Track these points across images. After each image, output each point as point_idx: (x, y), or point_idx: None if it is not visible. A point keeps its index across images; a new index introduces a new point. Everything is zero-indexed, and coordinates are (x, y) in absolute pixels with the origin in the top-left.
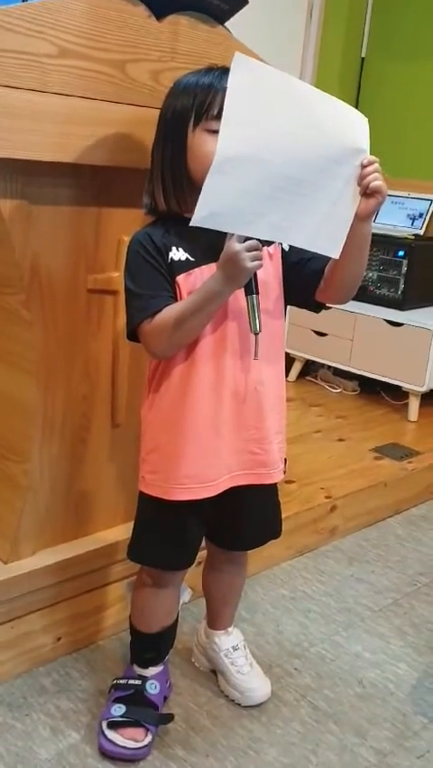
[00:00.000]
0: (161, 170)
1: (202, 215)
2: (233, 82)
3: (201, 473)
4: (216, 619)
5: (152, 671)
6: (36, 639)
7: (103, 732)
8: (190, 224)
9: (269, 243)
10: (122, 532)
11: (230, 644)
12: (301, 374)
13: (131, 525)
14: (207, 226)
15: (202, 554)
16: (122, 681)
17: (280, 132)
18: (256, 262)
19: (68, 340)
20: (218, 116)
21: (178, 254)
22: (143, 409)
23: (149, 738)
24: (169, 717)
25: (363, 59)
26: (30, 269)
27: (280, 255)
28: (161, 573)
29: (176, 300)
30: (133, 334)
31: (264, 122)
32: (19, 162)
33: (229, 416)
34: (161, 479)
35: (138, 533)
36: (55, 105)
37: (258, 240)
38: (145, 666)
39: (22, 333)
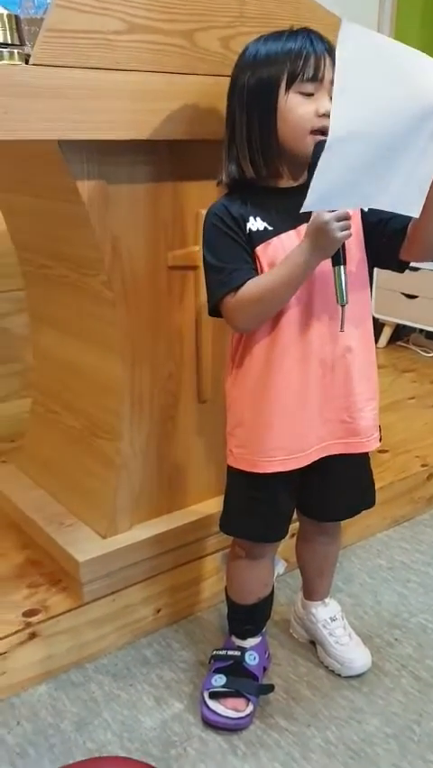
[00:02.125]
0: (246, 139)
1: (315, 198)
2: (342, 54)
3: (290, 444)
4: (312, 591)
5: (250, 642)
6: (137, 611)
7: (205, 702)
8: (302, 210)
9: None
10: (214, 505)
11: (327, 614)
12: (392, 339)
13: (222, 497)
14: (318, 209)
15: (295, 526)
16: (221, 653)
17: (383, 102)
18: (346, 232)
19: (151, 318)
20: (312, 79)
21: (256, 224)
22: (227, 384)
23: (250, 708)
24: (269, 688)
25: None
26: (110, 250)
27: (360, 217)
28: (253, 545)
29: (256, 272)
30: (214, 309)
31: (371, 93)
32: (94, 143)
33: (317, 385)
34: (249, 452)
35: (229, 506)
36: (126, 82)
37: None
38: (243, 637)
39: (105, 313)
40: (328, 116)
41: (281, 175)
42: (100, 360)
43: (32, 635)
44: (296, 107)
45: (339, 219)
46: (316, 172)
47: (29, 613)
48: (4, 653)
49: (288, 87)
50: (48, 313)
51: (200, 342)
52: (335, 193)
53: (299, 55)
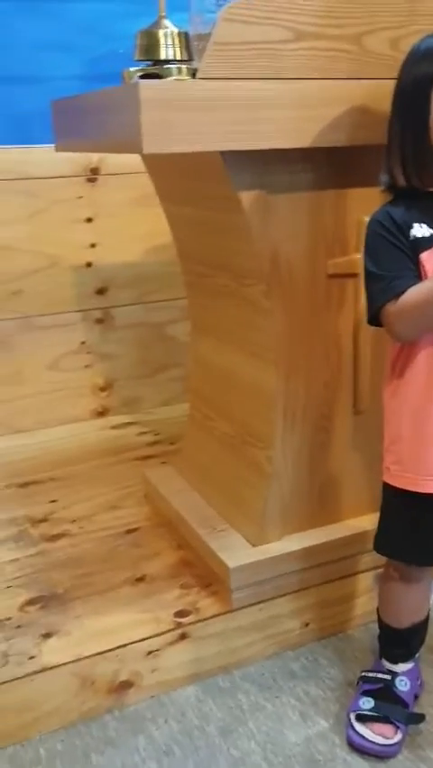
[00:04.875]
0: (400, 144)
1: None
2: None
3: None
4: None
5: (401, 667)
6: (284, 623)
7: (352, 725)
8: None
9: None
10: (369, 521)
11: None
12: None
13: (378, 514)
14: None
15: None
16: (370, 675)
17: None
18: None
19: (308, 326)
20: None
21: (421, 230)
22: (386, 396)
23: (399, 736)
24: (420, 717)
25: None
26: (270, 260)
27: None
28: (408, 568)
29: (419, 280)
30: (374, 318)
31: None
32: (255, 153)
33: None
34: (408, 469)
35: (384, 525)
36: (288, 90)
37: None
38: (394, 662)
39: (262, 322)
40: None
41: None
42: (255, 368)
43: (183, 636)
44: None
45: None
46: None
47: (180, 614)
48: (157, 650)
49: None
50: (207, 321)
51: (358, 351)
52: None
53: None
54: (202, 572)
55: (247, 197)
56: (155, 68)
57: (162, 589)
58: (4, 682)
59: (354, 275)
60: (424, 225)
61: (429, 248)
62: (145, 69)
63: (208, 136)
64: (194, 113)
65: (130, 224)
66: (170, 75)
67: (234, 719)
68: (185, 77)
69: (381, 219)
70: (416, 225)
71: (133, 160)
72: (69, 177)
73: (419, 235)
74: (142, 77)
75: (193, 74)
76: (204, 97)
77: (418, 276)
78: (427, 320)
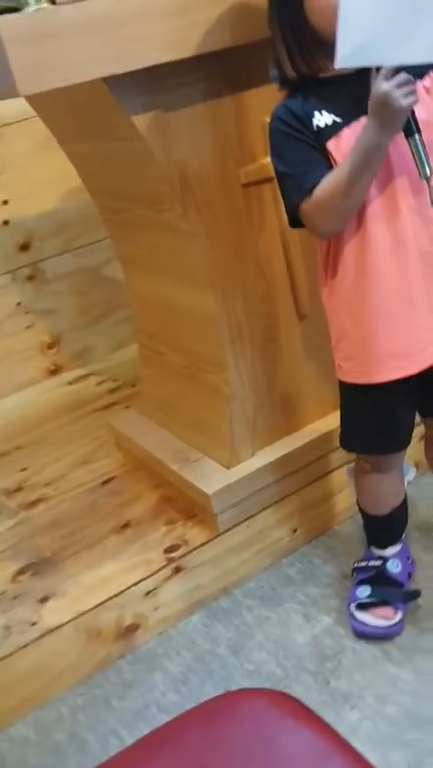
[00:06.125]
0: (281, 33)
1: (345, 53)
2: None
3: (402, 348)
4: None
5: (390, 550)
6: (272, 534)
7: (353, 615)
8: (335, 66)
9: (422, 76)
10: (333, 420)
11: None
12: None
13: (339, 411)
14: (353, 65)
15: (421, 430)
16: (362, 564)
17: None
18: (411, 98)
19: (233, 242)
20: None
21: (322, 119)
22: (324, 296)
23: (399, 615)
24: (415, 594)
25: None
26: (179, 180)
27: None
28: (378, 458)
29: (330, 170)
30: (294, 220)
31: None
32: (140, 73)
33: (420, 280)
34: (359, 364)
35: (346, 422)
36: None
37: (410, 73)
38: (383, 546)
39: (186, 246)
40: None
41: (324, 67)
42: (191, 294)
43: (177, 570)
44: None
45: (400, 85)
46: (338, 20)
47: (170, 549)
48: (154, 589)
49: None
50: (135, 256)
51: (290, 257)
52: (372, 44)
53: None
54: (184, 505)
55: (142, 121)
56: (10, 2)
57: (149, 531)
58: (11, 654)
59: (269, 180)
60: (325, 112)
61: (334, 135)
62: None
63: (85, 65)
64: (64, 42)
65: (40, 172)
66: (28, 5)
67: (243, 636)
68: (44, 4)
69: (280, 115)
70: (317, 114)
71: (26, 105)
72: None
73: (322, 124)
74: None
75: (53, 1)
76: (71, 24)
77: (328, 166)
78: (343, 209)
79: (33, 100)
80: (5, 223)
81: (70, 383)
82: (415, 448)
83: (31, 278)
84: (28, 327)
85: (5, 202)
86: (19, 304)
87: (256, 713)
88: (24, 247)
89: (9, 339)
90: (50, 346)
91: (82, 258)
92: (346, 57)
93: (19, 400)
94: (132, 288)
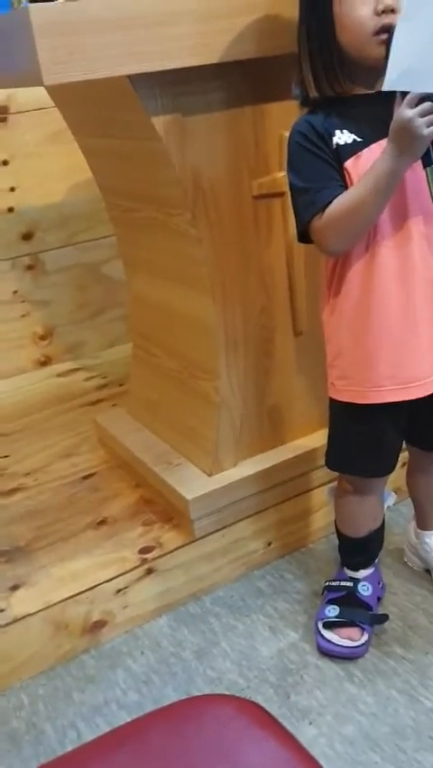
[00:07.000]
0: (308, 51)
1: (394, 77)
2: None
3: (400, 373)
4: (424, 520)
5: (362, 573)
6: (247, 545)
7: (320, 632)
8: (382, 89)
9: None
10: (319, 438)
11: None
12: None
13: (326, 430)
14: (400, 89)
15: (405, 455)
16: (334, 583)
17: None
18: (432, 128)
19: (239, 252)
20: None
21: (343, 137)
22: (324, 314)
23: (365, 637)
24: (383, 618)
25: None
26: (192, 185)
27: None
28: (361, 480)
29: (345, 189)
30: (304, 235)
31: None
32: (165, 74)
33: (424, 306)
34: (354, 383)
35: (333, 441)
36: (186, 2)
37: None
38: (356, 569)
39: (192, 251)
40: (390, 12)
41: (349, 88)
42: (191, 300)
43: (150, 571)
44: (353, 10)
45: (424, 114)
46: (393, 42)
47: (145, 550)
48: (125, 588)
49: None
50: (138, 256)
51: (293, 273)
52: (419, 70)
53: None
54: (162, 508)
55: (162, 122)
56: None
57: (125, 529)
58: None
59: (280, 194)
60: (345, 131)
61: (353, 155)
62: None
63: (111, 60)
64: (93, 36)
65: (49, 163)
66: None
67: (208, 642)
68: None
69: (301, 130)
70: (337, 132)
71: (43, 94)
72: None
73: (342, 143)
74: (32, 1)
75: None
76: (101, 18)
77: (343, 185)
78: (354, 229)
79: (53, 90)
80: (10, 210)
81: (59, 375)
82: (396, 473)
83: (30, 267)
84: (23, 316)
85: (12, 189)
86: (16, 292)
87: (222, 719)
88: (27, 236)
89: (3, 325)
90: (43, 337)
91: (83, 253)
92: (393, 80)
93: (7, 387)
94: (132, 287)
